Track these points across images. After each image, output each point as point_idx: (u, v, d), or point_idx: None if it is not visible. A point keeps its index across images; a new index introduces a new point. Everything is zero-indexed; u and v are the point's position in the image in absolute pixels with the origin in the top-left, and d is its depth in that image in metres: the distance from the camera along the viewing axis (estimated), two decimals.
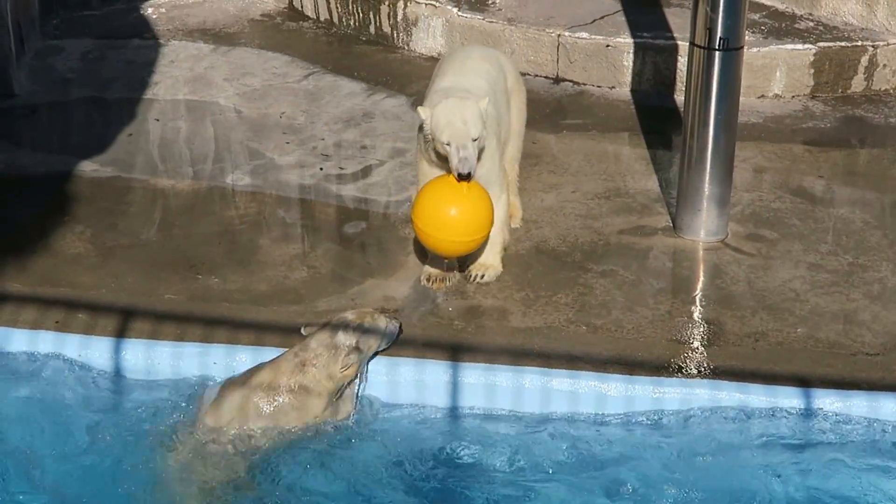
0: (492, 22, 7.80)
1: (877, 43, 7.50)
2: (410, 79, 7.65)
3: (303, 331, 4.99)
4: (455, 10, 7.94)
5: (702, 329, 5.38)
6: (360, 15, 8.33)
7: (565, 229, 6.09)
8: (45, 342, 5.24)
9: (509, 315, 5.46)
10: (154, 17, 8.69)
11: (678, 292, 5.64)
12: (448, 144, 5.26)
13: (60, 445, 4.82)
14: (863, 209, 6.28)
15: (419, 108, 5.37)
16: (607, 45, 7.56)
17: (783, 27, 7.71)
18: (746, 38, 5.93)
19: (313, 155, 6.82)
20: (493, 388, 5.04)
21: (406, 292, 5.60)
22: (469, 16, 7.88)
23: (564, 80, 7.67)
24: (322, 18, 8.57)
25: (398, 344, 5.14)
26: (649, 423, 4.95)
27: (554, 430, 4.93)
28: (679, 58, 7.35)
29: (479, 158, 5.34)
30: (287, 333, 5.07)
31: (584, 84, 7.62)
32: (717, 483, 4.71)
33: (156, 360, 5.17)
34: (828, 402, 4.94)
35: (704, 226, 5.95)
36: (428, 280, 5.61)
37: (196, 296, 5.58)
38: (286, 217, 6.23)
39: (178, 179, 6.58)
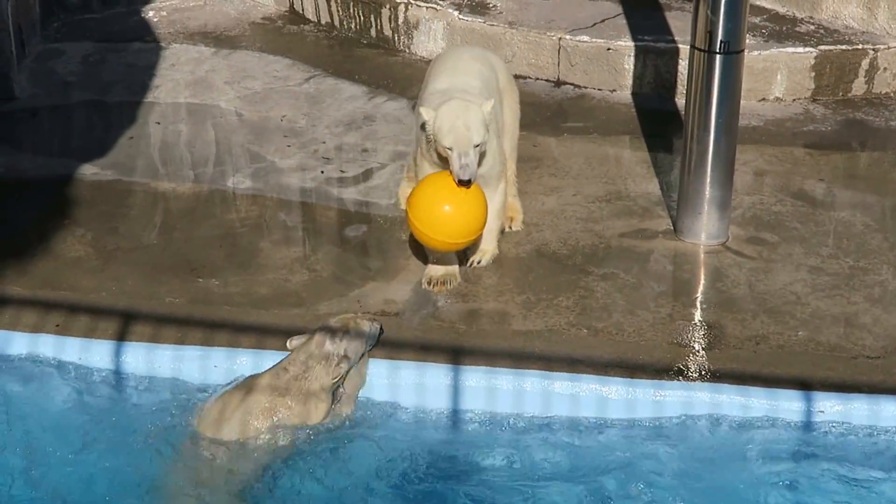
0: (493, 25, 7.81)
1: (877, 46, 7.50)
2: (412, 82, 7.64)
3: (288, 344, 4.97)
4: (456, 13, 7.94)
5: (703, 332, 5.38)
6: (362, 18, 8.33)
7: (566, 232, 6.09)
8: (45, 345, 5.24)
9: (510, 318, 5.46)
10: (155, 20, 8.69)
11: (679, 295, 5.63)
12: (450, 149, 5.27)
13: (60, 449, 4.81)
14: (863, 212, 6.27)
15: (422, 109, 5.37)
16: (608, 49, 7.56)
17: (784, 30, 7.71)
18: (747, 41, 5.93)
19: (314, 158, 6.82)
20: (494, 392, 5.04)
21: (407, 295, 5.60)
22: (470, 19, 7.88)
23: (565, 83, 7.67)
24: (323, 21, 8.57)
25: (399, 347, 5.15)
26: (650, 426, 4.95)
27: (554, 434, 4.93)
28: (680, 61, 7.35)
29: (480, 163, 5.35)
30: (288, 337, 5.06)
31: (585, 87, 7.62)
32: (718, 486, 4.71)
33: (156, 363, 5.17)
34: (829, 405, 4.94)
35: (705, 229, 5.95)
36: (429, 283, 5.61)
37: (197, 299, 5.58)
38: (287, 220, 6.23)
39: (178, 183, 6.58)
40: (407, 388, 5.06)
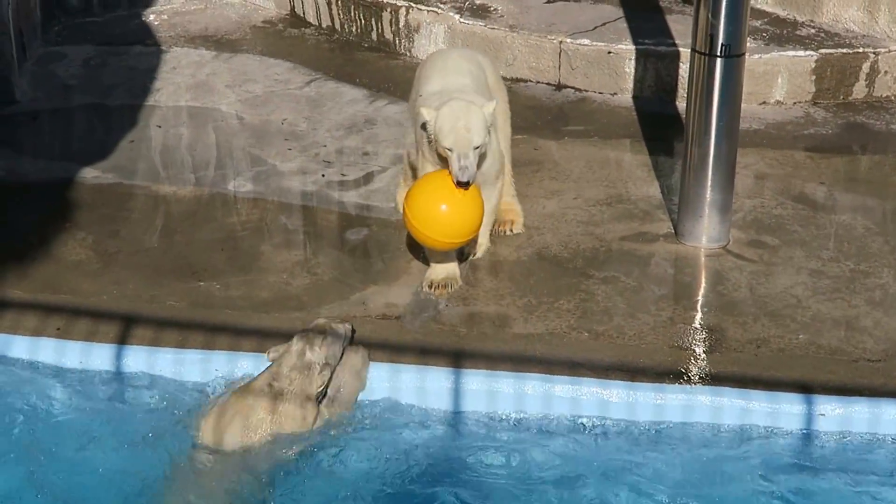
0: (494, 29, 7.81)
1: (878, 50, 7.50)
2: (412, 85, 7.64)
3: (267, 356, 4.96)
4: (457, 16, 7.94)
5: (703, 335, 5.38)
6: (362, 21, 8.33)
7: (567, 236, 6.09)
8: (46, 349, 5.24)
9: (511, 321, 5.46)
10: (156, 23, 8.70)
11: (680, 299, 5.63)
12: (450, 150, 5.26)
13: (61, 452, 4.81)
14: (864, 215, 6.27)
15: (422, 109, 5.35)
16: (609, 52, 7.57)
17: (785, 34, 7.71)
18: (748, 44, 5.94)
19: (315, 161, 6.82)
20: (495, 395, 5.04)
21: (408, 299, 5.59)
22: (471, 22, 7.88)
23: (566, 86, 7.67)
24: (324, 25, 8.57)
25: (400, 350, 5.15)
26: (651, 429, 4.95)
27: (555, 437, 4.93)
28: (681, 64, 7.36)
29: (479, 165, 5.35)
30: (289, 340, 5.06)
31: (586, 91, 7.62)
32: (719, 489, 4.71)
33: (157, 366, 5.17)
34: (829, 408, 4.93)
35: (706, 232, 5.95)
36: (430, 287, 5.60)
37: (198, 302, 5.58)
38: (288, 223, 6.24)
39: (179, 186, 6.58)
40: (408, 391, 5.06)
